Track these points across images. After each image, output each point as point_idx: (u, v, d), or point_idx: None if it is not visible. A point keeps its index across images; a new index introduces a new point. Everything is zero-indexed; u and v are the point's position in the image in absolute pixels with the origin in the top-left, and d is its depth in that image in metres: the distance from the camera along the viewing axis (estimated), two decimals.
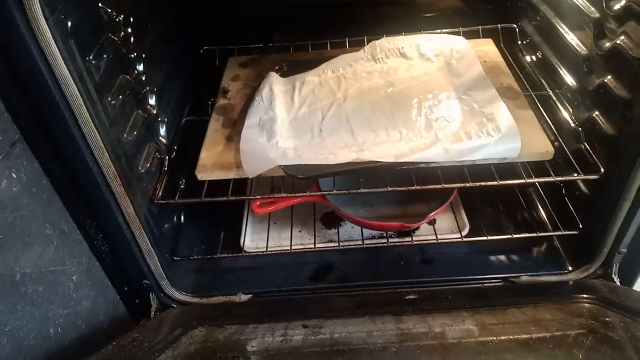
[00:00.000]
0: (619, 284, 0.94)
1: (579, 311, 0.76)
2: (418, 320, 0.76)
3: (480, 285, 0.96)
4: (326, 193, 0.97)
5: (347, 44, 1.23)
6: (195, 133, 1.05)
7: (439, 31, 1.21)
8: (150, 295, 0.94)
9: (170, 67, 1.08)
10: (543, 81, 1.10)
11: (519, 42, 1.22)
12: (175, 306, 0.95)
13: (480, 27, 1.22)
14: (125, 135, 0.83)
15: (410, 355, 0.67)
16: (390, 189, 0.92)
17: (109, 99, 0.78)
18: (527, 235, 1.00)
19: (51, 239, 0.74)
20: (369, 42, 1.18)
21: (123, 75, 0.84)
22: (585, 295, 0.80)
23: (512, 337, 0.71)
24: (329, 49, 1.23)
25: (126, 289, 0.93)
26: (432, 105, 0.99)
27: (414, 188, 0.91)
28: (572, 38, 0.97)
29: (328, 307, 0.87)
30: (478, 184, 0.91)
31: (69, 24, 0.68)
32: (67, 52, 0.66)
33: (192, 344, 0.74)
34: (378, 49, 1.14)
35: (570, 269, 0.98)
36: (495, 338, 0.70)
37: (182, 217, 1.10)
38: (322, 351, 0.70)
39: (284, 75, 1.13)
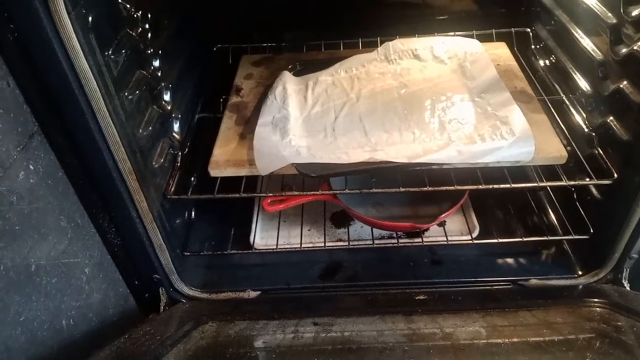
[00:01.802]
0: (628, 289, 0.94)
1: (590, 315, 0.76)
2: (428, 320, 0.76)
3: (490, 288, 0.96)
4: (338, 192, 0.97)
5: (360, 44, 1.23)
6: (207, 130, 1.06)
7: (452, 33, 1.21)
8: (160, 289, 0.95)
9: (184, 64, 1.09)
10: (556, 85, 1.09)
11: (532, 46, 1.22)
12: (184, 301, 0.96)
13: (493, 30, 1.22)
14: (140, 130, 0.84)
15: (421, 354, 0.68)
16: (402, 190, 0.92)
17: (126, 94, 0.79)
18: (537, 238, 1.00)
19: (65, 231, 0.75)
20: (381, 43, 1.18)
21: (139, 70, 0.85)
22: (596, 299, 0.80)
23: (523, 339, 0.71)
24: (342, 49, 1.24)
25: (136, 282, 0.94)
26: (445, 106, 0.99)
27: (426, 189, 0.91)
28: (587, 43, 0.97)
29: (338, 305, 0.87)
30: (490, 187, 0.91)
31: (90, 18, 0.68)
32: (87, 46, 0.67)
33: (203, 338, 0.75)
34: (391, 49, 1.14)
35: (580, 273, 0.97)
36: (506, 340, 0.70)
37: (193, 213, 1.10)
38: (333, 349, 0.71)
39: (296, 74, 1.13)
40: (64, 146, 0.72)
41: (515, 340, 0.71)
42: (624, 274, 0.94)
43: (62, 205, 0.74)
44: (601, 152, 0.92)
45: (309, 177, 0.90)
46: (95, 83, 0.68)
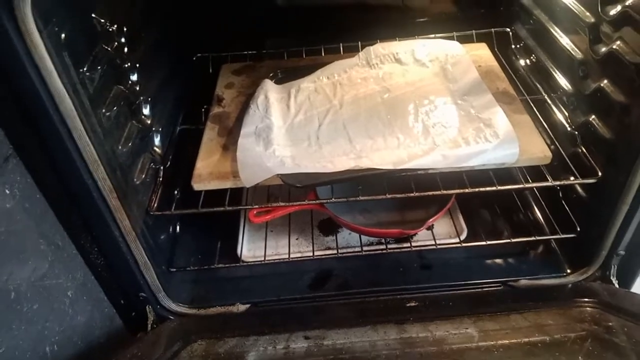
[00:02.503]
0: (617, 285, 0.94)
1: (580, 316, 0.76)
2: (420, 328, 0.75)
3: (480, 290, 0.96)
4: (324, 201, 0.96)
5: (341, 49, 1.23)
6: (189, 142, 1.04)
7: (432, 36, 1.20)
8: (147, 307, 0.93)
9: (164, 75, 1.07)
10: (537, 85, 1.10)
11: (513, 46, 1.22)
12: (172, 318, 0.94)
13: (473, 31, 1.22)
14: (120, 147, 0.82)
15: None
16: (389, 196, 0.91)
17: (103, 111, 0.77)
18: (525, 239, 1.00)
19: (45, 254, 0.73)
20: (362, 47, 1.17)
21: (117, 85, 0.83)
22: (586, 299, 0.80)
23: (515, 343, 0.71)
24: (323, 54, 1.23)
25: (122, 302, 0.91)
26: (428, 110, 0.99)
27: (412, 195, 0.91)
28: (566, 42, 0.97)
29: (328, 316, 0.86)
30: (477, 190, 0.91)
31: (62, 35, 0.66)
32: (60, 65, 0.65)
33: (193, 358, 0.73)
34: (372, 54, 1.14)
35: (569, 271, 0.98)
36: (498, 344, 0.70)
37: (177, 228, 1.08)
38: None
39: (278, 82, 1.12)
40: (41, 167, 0.70)
41: (507, 344, 0.70)
42: (611, 271, 0.94)
43: (41, 228, 0.72)
44: (585, 151, 0.92)
45: (294, 188, 0.89)
46: (70, 102, 0.66)
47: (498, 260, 1.02)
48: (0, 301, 0.63)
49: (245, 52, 1.25)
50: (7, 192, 0.65)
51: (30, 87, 0.63)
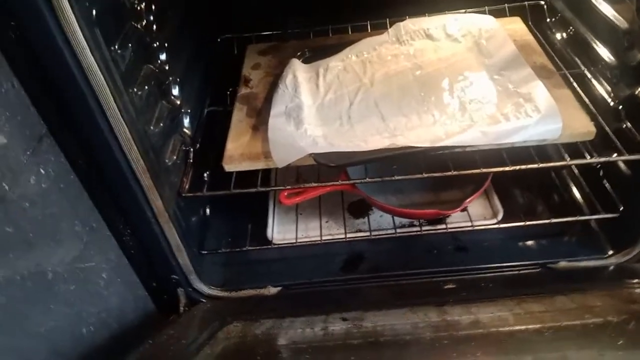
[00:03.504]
0: None
1: (630, 297, 0.73)
2: (462, 311, 0.73)
3: (518, 272, 0.93)
4: (358, 181, 0.94)
5: (369, 27, 1.19)
6: (217, 123, 1.02)
7: (462, 11, 1.16)
8: (178, 290, 0.92)
9: (190, 57, 1.05)
10: (576, 58, 1.05)
11: (547, 19, 1.17)
12: (203, 300, 0.93)
13: (506, 5, 1.17)
14: (151, 127, 0.80)
15: (463, 347, 0.65)
16: (425, 175, 0.88)
17: (135, 90, 0.75)
18: (566, 219, 0.96)
19: (80, 235, 0.72)
20: (391, 24, 1.14)
21: (147, 64, 0.81)
22: (634, 280, 0.77)
23: (566, 325, 0.68)
24: (350, 32, 1.20)
25: (154, 284, 0.91)
26: (463, 86, 0.95)
27: (450, 173, 0.88)
28: (609, 11, 0.93)
29: (364, 298, 0.84)
30: (517, 167, 0.88)
31: (93, 11, 0.64)
32: (92, 41, 0.63)
33: (229, 339, 0.72)
34: (402, 30, 1.10)
35: (610, 252, 0.94)
36: (547, 326, 0.67)
37: (207, 210, 1.07)
38: (367, 344, 0.68)
39: (305, 61, 1.09)
40: (75, 147, 0.69)
41: (557, 326, 0.67)
42: None
43: (76, 209, 0.71)
44: (629, 126, 0.88)
45: (327, 168, 0.86)
46: (103, 79, 0.65)
47: (535, 242, 0.99)
48: (38, 282, 0.62)
49: (270, 33, 1.22)
50: (42, 172, 0.64)
51: (63, 63, 0.61)
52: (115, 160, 0.71)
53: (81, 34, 0.61)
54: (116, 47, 0.71)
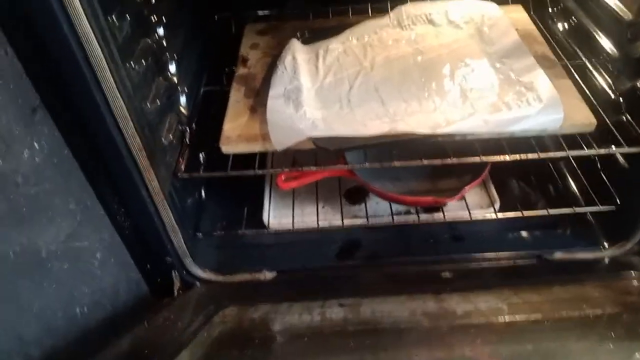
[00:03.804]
0: None
1: (627, 289, 0.73)
2: (460, 299, 0.73)
3: (514, 262, 0.93)
4: (357, 166, 0.92)
5: (370, 9, 1.17)
6: (213, 104, 1.00)
7: None
8: (173, 272, 0.90)
9: (188, 33, 1.02)
10: (577, 49, 1.05)
11: (550, 9, 1.16)
12: (197, 284, 0.92)
13: None
14: (148, 104, 0.78)
15: (462, 335, 0.64)
16: (425, 162, 0.87)
17: (132, 63, 0.73)
18: (564, 210, 0.96)
19: (74, 213, 0.70)
20: (392, 7, 1.12)
21: (144, 38, 0.79)
22: (630, 272, 0.77)
23: (565, 316, 0.68)
24: (350, 15, 1.17)
25: (148, 266, 0.89)
26: (465, 73, 0.94)
27: (450, 161, 0.87)
28: (613, 2, 0.92)
29: (361, 285, 0.83)
30: (517, 157, 0.87)
31: None
32: (89, 7, 0.60)
33: (225, 323, 0.71)
34: (404, 14, 1.08)
35: (606, 244, 0.95)
36: (546, 316, 0.67)
37: (203, 193, 1.05)
38: (366, 330, 0.67)
39: (305, 42, 1.07)
40: (69, 121, 0.67)
41: (556, 316, 0.67)
42: None
43: (70, 186, 0.69)
44: (629, 119, 0.88)
45: (326, 151, 0.85)
46: (99, 50, 0.62)
47: (531, 232, 0.99)
48: (30, 259, 0.60)
49: (269, 12, 1.20)
50: (36, 145, 0.61)
51: (59, 31, 0.59)
52: (111, 136, 0.69)
53: (78, 1, 0.58)
54: (113, 17, 0.68)
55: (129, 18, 0.73)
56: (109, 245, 0.77)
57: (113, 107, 0.67)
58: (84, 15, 0.59)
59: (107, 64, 0.64)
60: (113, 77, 0.65)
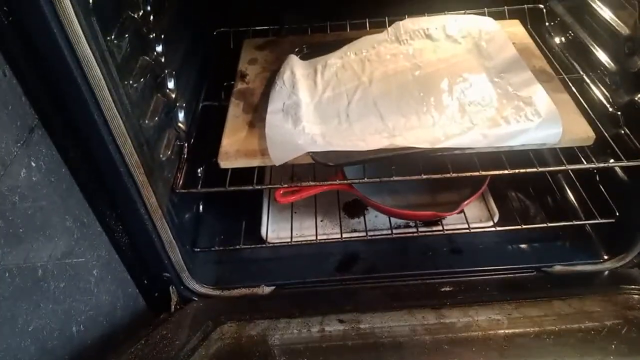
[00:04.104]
0: None
1: (628, 303, 0.73)
2: (460, 314, 0.72)
3: (513, 275, 0.93)
4: (356, 181, 0.92)
5: (367, 24, 1.18)
6: (212, 119, 1.00)
7: (462, 12, 1.16)
8: (171, 288, 0.90)
9: (187, 49, 1.03)
10: (575, 63, 1.05)
11: (547, 23, 1.17)
12: (195, 299, 0.91)
13: (505, 7, 1.17)
14: (146, 121, 0.78)
15: (462, 351, 0.64)
16: (424, 177, 0.87)
17: (131, 82, 0.73)
18: (563, 223, 0.96)
19: (71, 230, 0.70)
20: (390, 23, 1.13)
21: (143, 56, 0.79)
22: (632, 286, 0.76)
23: (565, 330, 0.67)
24: (348, 30, 1.18)
25: (145, 282, 0.89)
26: (463, 88, 0.94)
27: (449, 175, 0.87)
28: (610, 17, 0.93)
29: (360, 299, 0.83)
30: (516, 171, 0.87)
31: (90, 0, 0.62)
32: (89, 30, 0.61)
33: (224, 340, 0.70)
34: (402, 29, 1.09)
35: (605, 257, 0.95)
36: (547, 330, 0.66)
37: (200, 207, 1.05)
38: (366, 346, 0.67)
39: (303, 57, 1.07)
40: (67, 140, 0.67)
41: (556, 331, 0.67)
42: None
43: (67, 204, 0.69)
44: (628, 132, 0.88)
45: (325, 167, 0.85)
46: (99, 70, 0.63)
47: (530, 245, 0.99)
48: (26, 279, 0.60)
49: (267, 27, 1.21)
50: (33, 164, 0.61)
51: (58, 52, 0.59)
52: (109, 153, 0.69)
53: (77, 23, 0.59)
54: (113, 37, 0.68)
55: (127, 37, 0.73)
56: (106, 262, 0.77)
57: (111, 126, 0.67)
58: (83, 37, 0.60)
59: (106, 83, 0.64)
60: (112, 96, 0.66)
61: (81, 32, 0.59)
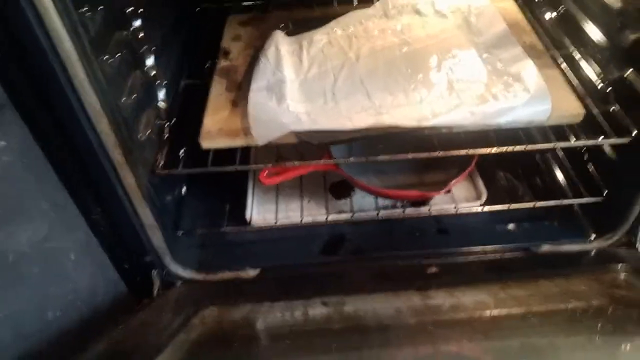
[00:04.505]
0: None
1: (615, 282, 0.73)
2: (446, 295, 0.71)
3: (500, 256, 0.92)
4: (342, 161, 0.90)
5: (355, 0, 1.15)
6: (194, 97, 0.97)
7: None
8: (152, 272, 0.88)
9: (168, 26, 0.99)
10: (566, 39, 1.03)
11: None
12: (178, 283, 0.89)
13: None
14: (123, 99, 0.75)
15: (448, 333, 0.63)
16: (411, 156, 0.86)
17: (106, 57, 0.70)
18: (551, 202, 0.95)
19: (46, 213, 0.67)
20: None
21: (119, 31, 0.76)
22: (618, 265, 0.76)
23: (551, 310, 0.66)
24: (336, 5, 1.15)
25: (126, 266, 0.86)
26: (451, 64, 0.92)
27: (436, 154, 0.85)
28: None
29: (345, 282, 0.82)
30: (505, 149, 0.86)
31: None
32: (59, 1, 0.57)
33: (205, 325, 0.69)
34: (390, 4, 1.06)
35: (593, 236, 0.94)
36: (533, 310, 0.66)
37: (183, 189, 1.03)
38: (349, 328, 0.65)
39: (289, 33, 1.04)
40: (40, 119, 0.64)
41: (542, 311, 0.66)
42: (638, 237, 0.90)
43: (41, 186, 0.66)
44: (618, 109, 0.87)
45: (310, 146, 0.83)
46: (70, 44, 0.59)
47: (518, 225, 0.99)
48: (0, 263, 0.58)
49: (252, 3, 1.17)
50: (4, 143, 0.59)
51: (26, 26, 0.56)
52: (83, 133, 0.66)
53: None
54: (85, 9, 0.65)
55: (102, 10, 0.70)
56: (84, 246, 0.75)
57: (85, 104, 0.64)
58: (53, 9, 0.57)
59: (79, 58, 0.61)
60: (85, 71, 0.63)
61: (50, 4, 0.56)
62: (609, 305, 0.67)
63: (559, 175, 1.05)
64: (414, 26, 1.03)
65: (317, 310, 0.71)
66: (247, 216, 0.99)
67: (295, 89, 0.90)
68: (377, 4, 1.07)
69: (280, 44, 0.99)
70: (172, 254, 0.88)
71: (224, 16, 1.14)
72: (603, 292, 0.70)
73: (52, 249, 0.67)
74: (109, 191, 0.74)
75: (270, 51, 0.97)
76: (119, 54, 0.74)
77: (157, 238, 0.84)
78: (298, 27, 1.06)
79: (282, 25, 1.06)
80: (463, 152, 0.86)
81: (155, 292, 0.87)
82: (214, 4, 1.16)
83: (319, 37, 1.01)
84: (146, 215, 0.80)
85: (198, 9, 1.16)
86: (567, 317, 0.65)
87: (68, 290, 0.70)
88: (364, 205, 1.02)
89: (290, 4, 1.15)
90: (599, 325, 0.63)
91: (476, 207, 0.97)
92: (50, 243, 0.67)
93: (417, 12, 1.05)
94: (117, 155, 0.71)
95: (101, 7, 0.69)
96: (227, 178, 0.94)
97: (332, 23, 1.04)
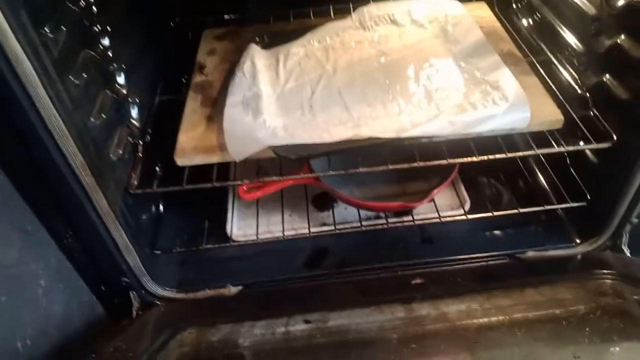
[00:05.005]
0: (629, 254, 0.90)
1: (600, 289, 0.71)
2: (430, 308, 0.70)
3: (485, 263, 0.91)
4: (321, 174, 0.89)
5: (332, 11, 1.14)
6: (170, 114, 0.95)
7: None
8: (131, 293, 0.86)
9: (140, 42, 0.97)
10: (543, 45, 1.03)
11: (514, 5, 1.14)
12: (158, 303, 0.87)
13: None
14: (92, 119, 0.73)
15: (432, 349, 0.61)
16: (390, 167, 0.84)
17: (71, 77, 0.68)
18: (535, 208, 0.94)
19: (11, 240, 0.65)
20: (354, 8, 1.09)
21: (86, 50, 0.74)
22: (603, 271, 0.75)
23: (536, 320, 0.65)
24: (312, 17, 1.14)
25: (103, 288, 0.84)
26: (429, 74, 0.91)
27: (416, 165, 0.84)
28: None
29: (328, 297, 0.80)
30: (485, 157, 0.85)
31: None
32: (16, 23, 0.56)
33: (182, 348, 0.67)
34: (366, 15, 1.05)
35: (578, 241, 0.93)
36: (519, 321, 0.64)
37: (161, 207, 1.01)
38: (332, 343, 0.63)
39: (265, 47, 1.03)
40: (4, 143, 0.62)
41: (528, 321, 0.65)
42: (623, 239, 0.90)
43: (7, 212, 0.64)
44: (597, 114, 0.86)
45: (288, 161, 0.81)
46: (30, 66, 0.58)
47: (502, 232, 0.98)
48: None
49: (228, 16, 1.16)
50: None
51: None
52: (49, 155, 0.64)
53: (1, 15, 0.54)
54: (47, 30, 0.63)
55: (65, 29, 0.68)
56: (55, 271, 0.72)
57: (49, 125, 0.63)
58: (9, 30, 0.55)
59: (41, 80, 0.60)
60: (48, 93, 0.61)
61: (6, 25, 0.54)
62: (595, 313, 0.66)
63: (543, 181, 1.04)
64: (391, 37, 1.02)
65: (299, 327, 0.69)
66: (228, 232, 0.97)
67: (272, 103, 0.89)
68: (353, 15, 1.06)
69: (256, 58, 0.97)
70: (150, 274, 0.86)
71: (199, 30, 1.13)
72: (589, 300, 0.69)
73: (20, 275, 0.65)
74: (79, 214, 0.72)
75: (246, 65, 0.96)
76: (87, 74, 0.72)
77: (132, 259, 0.82)
78: (274, 40, 1.04)
79: (258, 38, 1.05)
80: (443, 161, 0.85)
81: (134, 313, 0.85)
82: (189, 18, 1.14)
83: (296, 49, 1.00)
84: (121, 236, 0.78)
85: (172, 23, 1.14)
86: (553, 327, 0.63)
87: (39, 317, 0.68)
88: (347, 216, 1.01)
89: (266, 18, 1.14)
90: (585, 334, 0.61)
91: (459, 215, 0.96)
92: (17, 270, 0.64)
93: (394, 22, 1.05)
94: (86, 177, 0.69)
95: (64, 26, 0.67)
96: (206, 194, 0.92)
97: (309, 35, 1.03)
